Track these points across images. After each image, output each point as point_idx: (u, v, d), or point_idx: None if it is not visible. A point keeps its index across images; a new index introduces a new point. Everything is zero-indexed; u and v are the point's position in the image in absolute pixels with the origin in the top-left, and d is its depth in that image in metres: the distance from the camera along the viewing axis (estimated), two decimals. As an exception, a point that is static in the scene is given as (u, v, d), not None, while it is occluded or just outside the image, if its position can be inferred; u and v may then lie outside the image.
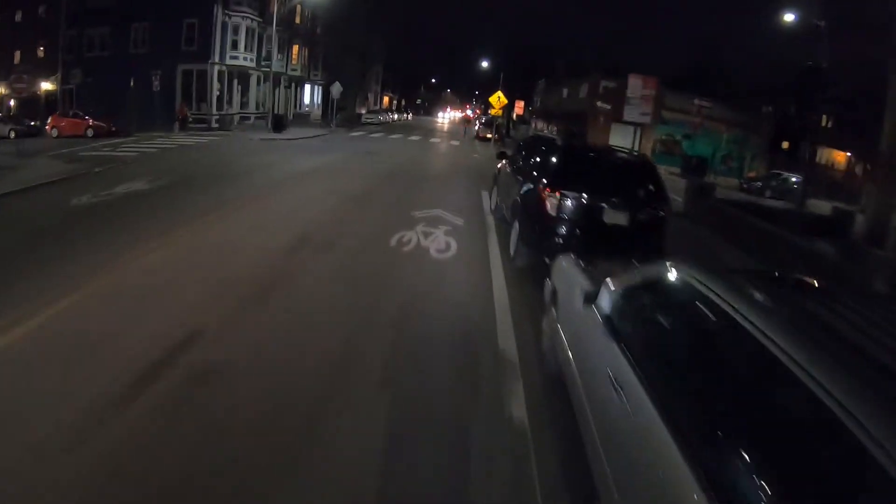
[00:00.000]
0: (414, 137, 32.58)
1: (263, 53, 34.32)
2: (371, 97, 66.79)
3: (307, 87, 44.94)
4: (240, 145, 20.53)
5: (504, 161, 9.24)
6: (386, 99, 78.27)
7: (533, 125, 53.08)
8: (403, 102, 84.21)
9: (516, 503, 2.68)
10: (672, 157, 29.15)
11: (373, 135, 32.91)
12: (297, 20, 39.11)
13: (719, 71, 32.76)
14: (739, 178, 28.55)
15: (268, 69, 35.27)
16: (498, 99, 27.97)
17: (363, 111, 48.58)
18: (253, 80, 33.59)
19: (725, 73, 32.37)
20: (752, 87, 27.46)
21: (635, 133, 28.23)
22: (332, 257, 6.31)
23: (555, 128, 40.91)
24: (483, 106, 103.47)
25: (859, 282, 6.92)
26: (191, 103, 29.36)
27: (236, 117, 32.27)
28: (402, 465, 2.81)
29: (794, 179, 25.35)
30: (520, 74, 44.11)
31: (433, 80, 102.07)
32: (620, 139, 27.88)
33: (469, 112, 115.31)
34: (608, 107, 24.49)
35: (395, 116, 58.55)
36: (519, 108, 35.84)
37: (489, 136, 35.43)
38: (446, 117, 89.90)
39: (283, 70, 37.31)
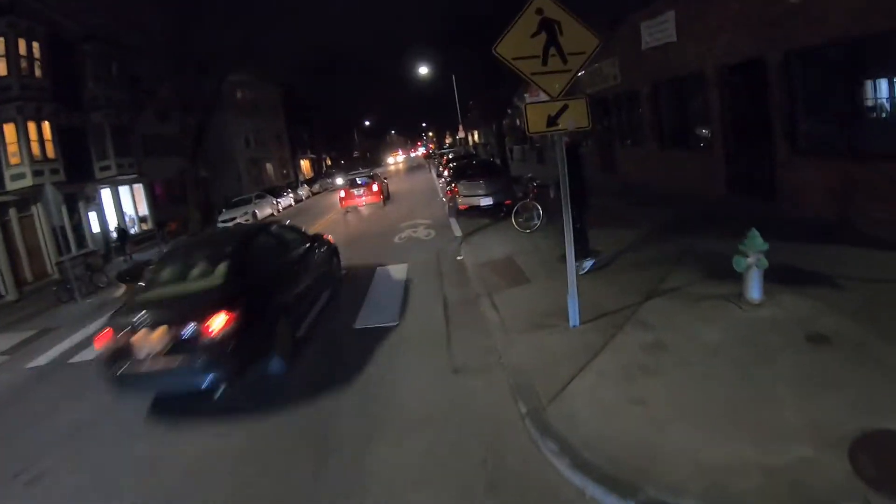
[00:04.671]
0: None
1: None
2: (272, 167, 45.84)
3: (104, 193, 23.59)
4: None
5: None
6: (305, 163, 57.37)
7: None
8: (328, 162, 63.30)
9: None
10: None
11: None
12: (4, 69, 18.01)
13: None
14: None
15: None
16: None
17: (255, 193, 27.24)
18: None
19: None
20: None
21: None
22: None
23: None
24: (436, 135, 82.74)
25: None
26: None
27: None
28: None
29: None
30: (478, 67, 22.85)
31: (366, 124, 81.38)
32: None
33: (421, 150, 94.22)
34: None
35: (303, 193, 37.27)
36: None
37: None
38: (361, 180, 67.76)
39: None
